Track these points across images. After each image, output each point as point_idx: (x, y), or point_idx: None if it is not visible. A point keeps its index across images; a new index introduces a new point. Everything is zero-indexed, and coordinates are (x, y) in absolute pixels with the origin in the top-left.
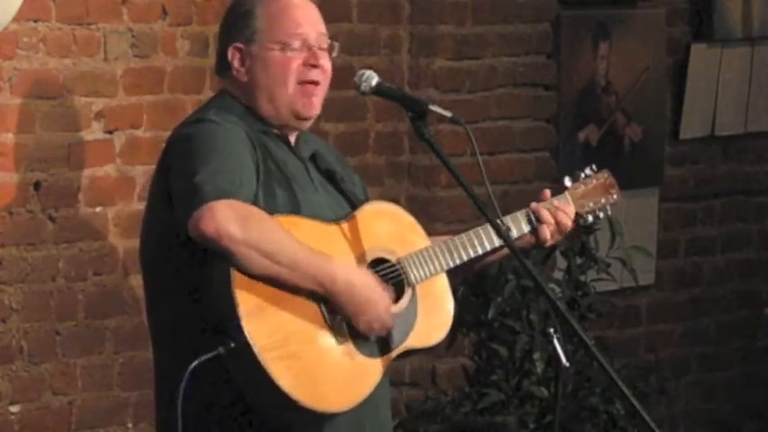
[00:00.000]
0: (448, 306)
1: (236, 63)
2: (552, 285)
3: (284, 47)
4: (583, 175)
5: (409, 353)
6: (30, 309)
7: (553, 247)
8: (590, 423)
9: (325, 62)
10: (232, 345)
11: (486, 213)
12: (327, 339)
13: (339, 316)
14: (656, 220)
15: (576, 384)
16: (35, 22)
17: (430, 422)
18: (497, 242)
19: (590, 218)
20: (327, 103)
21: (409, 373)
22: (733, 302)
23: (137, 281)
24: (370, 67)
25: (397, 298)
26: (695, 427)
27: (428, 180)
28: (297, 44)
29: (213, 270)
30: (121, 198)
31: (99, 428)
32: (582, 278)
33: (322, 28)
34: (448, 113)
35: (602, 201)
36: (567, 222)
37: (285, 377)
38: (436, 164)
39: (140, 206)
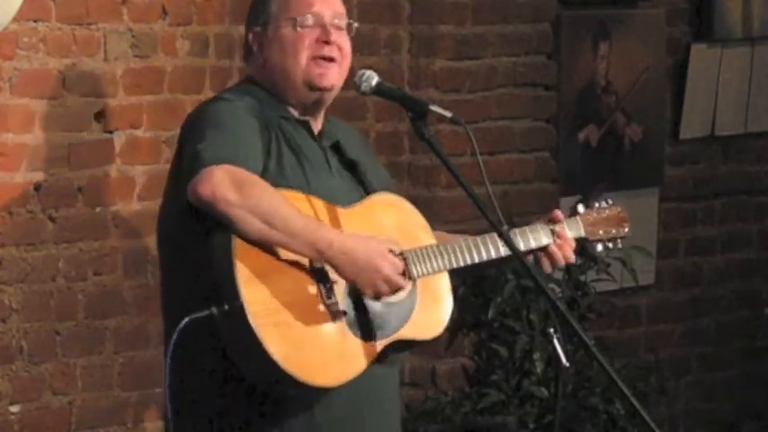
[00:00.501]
0: (446, 306)
1: (255, 47)
2: (552, 285)
3: (295, 24)
4: (597, 205)
5: (402, 346)
6: (30, 309)
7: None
8: (590, 423)
9: (341, 40)
10: (225, 307)
11: (486, 213)
12: (321, 316)
13: (335, 298)
14: (656, 220)
15: (575, 384)
16: (35, 22)
17: (430, 422)
18: (504, 252)
19: (600, 246)
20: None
21: (409, 373)
22: (733, 302)
23: (137, 281)
24: (370, 67)
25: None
26: (695, 427)
27: (428, 180)
28: (309, 21)
29: (215, 237)
30: (121, 198)
31: (99, 428)
32: (582, 278)
33: (339, 8)
34: (448, 113)
35: (614, 231)
36: (570, 257)
37: (274, 344)
38: (436, 164)
39: (140, 206)
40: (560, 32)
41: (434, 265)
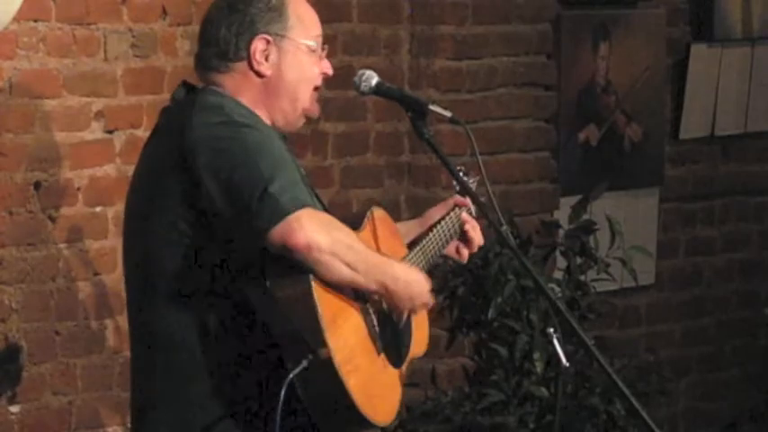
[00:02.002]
0: (425, 316)
1: (257, 55)
2: (552, 285)
3: (312, 50)
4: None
5: None
6: (30, 309)
7: (553, 247)
8: (590, 423)
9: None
10: (310, 356)
11: (486, 213)
12: (374, 351)
13: (379, 326)
14: (656, 220)
15: (576, 384)
16: (35, 22)
17: (430, 422)
18: (457, 226)
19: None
20: (327, 103)
21: (409, 373)
22: (733, 302)
23: None
24: (370, 67)
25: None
26: (695, 427)
27: (428, 180)
28: (319, 49)
29: (282, 282)
30: (121, 198)
31: (99, 428)
32: (582, 278)
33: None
34: (448, 113)
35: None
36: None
37: (357, 391)
38: (436, 164)
39: None
40: (560, 32)
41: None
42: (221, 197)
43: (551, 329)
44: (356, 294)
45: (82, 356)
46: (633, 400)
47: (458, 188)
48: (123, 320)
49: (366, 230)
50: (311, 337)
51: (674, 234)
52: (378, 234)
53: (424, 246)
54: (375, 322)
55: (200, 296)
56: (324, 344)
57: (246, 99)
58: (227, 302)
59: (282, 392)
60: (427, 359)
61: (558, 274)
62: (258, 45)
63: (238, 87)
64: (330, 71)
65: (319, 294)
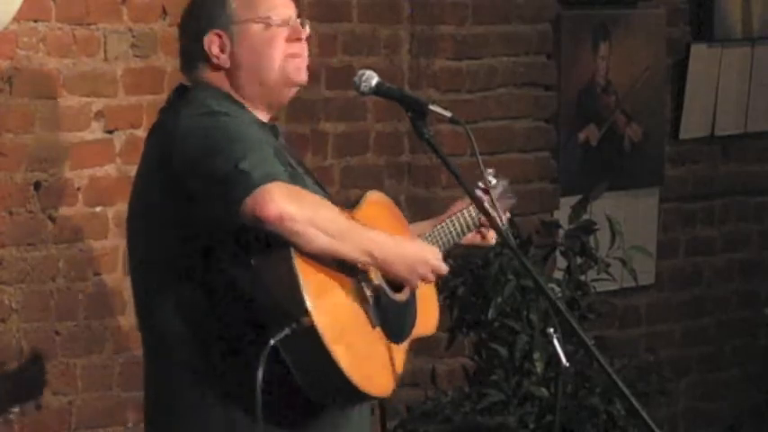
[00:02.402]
0: (435, 299)
1: (214, 50)
2: (552, 285)
3: (267, 23)
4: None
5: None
6: (30, 309)
7: (553, 247)
8: (590, 423)
9: (305, 38)
10: (294, 325)
11: (486, 213)
12: (369, 325)
13: (373, 300)
14: (656, 220)
15: (576, 384)
16: (35, 22)
17: (430, 422)
18: (475, 218)
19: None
20: (327, 103)
21: (409, 373)
22: (733, 302)
23: None
24: (370, 67)
25: (399, 289)
26: (695, 427)
27: (428, 180)
28: (278, 20)
29: (265, 256)
30: (121, 198)
31: (99, 428)
32: (582, 278)
33: (294, 7)
34: (448, 113)
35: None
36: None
37: (345, 360)
38: (436, 164)
39: None
40: (560, 32)
41: None
42: (200, 181)
43: (551, 329)
44: (347, 269)
45: (82, 356)
46: (633, 400)
47: (480, 189)
48: (123, 320)
49: (361, 211)
50: (295, 307)
51: (674, 234)
52: (374, 215)
53: (433, 232)
54: (369, 297)
55: (191, 284)
56: (306, 312)
57: (225, 90)
58: (217, 287)
59: (262, 358)
60: (427, 359)
61: (558, 274)
62: (211, 41)
63: (215, 83)
64: (300, 34)
65: (302, 267)
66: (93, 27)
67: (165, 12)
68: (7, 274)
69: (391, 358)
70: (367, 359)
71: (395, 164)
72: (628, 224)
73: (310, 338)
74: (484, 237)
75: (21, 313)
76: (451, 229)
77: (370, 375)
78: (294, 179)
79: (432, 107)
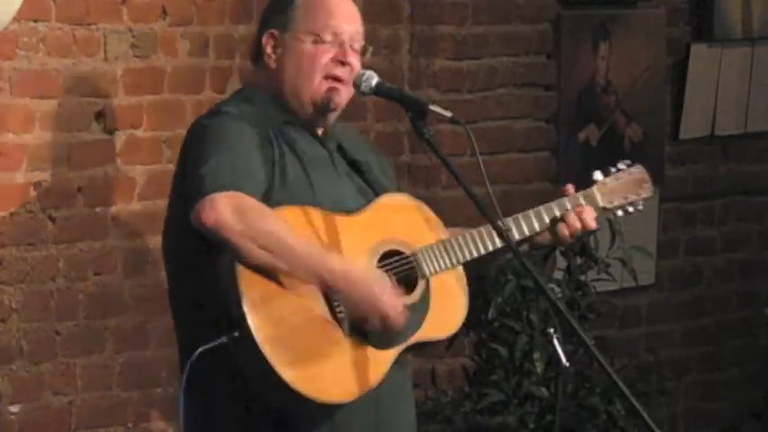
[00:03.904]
0: (461, 300)
1: (268, 49)
2: (552, 285)
3: (316, 39)
4: (614, 169)
5: (421, 345)
6: (30, 309)
7: (553, 247)
8: (590, 423)
9: (355, 61)
10: (236, 334)
11: (486, 213)
12: (332, 331)
13: (339, 308)
14: (656, 220)
15: (576, 384)
16: (35, 22)
17: (430, 422)
18: (515, 237)
19: (619, 212)
20: None
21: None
22: (733, 302)
23: (137, 281)
24: (370, 68)
25: (412, 290)
26: (695, 427)
27: (428, 180)
28: (329, 38)
29: (220, 260)
30: (121, 198)
31: (99, 428)
32: (582, 278)
33: (359, 27)
34: (448, 113)
35: (633, 196)
36: (591, 224)
37: (287, 367)
38: (436, 164)
39: (140, 206)
40: (560, 32)
41: (447, 260)
42: (180, 180)
43: (551, 329)
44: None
45: (82, 356)
46: (633, 400)
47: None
48: (123, 320)
49: (363, 215)
50: (236, 312)
51: (674, 234)
52: (379, 219)
53: (451, 240)
54: (336, 304)
55: (183, 278)
56: (243, 319)
57: (268, 91)
58: (198, 280)
59: (187, 367)
60: (427, 359)
61: (558, 274)
62: (266, 41)
63: (261, 82)
64: (343, 57)
65: (245, 274)
66: (93, 27)
67: (165, 12)
68: (7, 274)
69: (363, 364)
70: (319, 365)
71: (395, 164)
72: (628, 224)
73: (248, 346)
74: (556, 234)
75: (21, 313)
76: (476, 238)
77: (322, 381)
78: (293, 187)
79: (432, 107)
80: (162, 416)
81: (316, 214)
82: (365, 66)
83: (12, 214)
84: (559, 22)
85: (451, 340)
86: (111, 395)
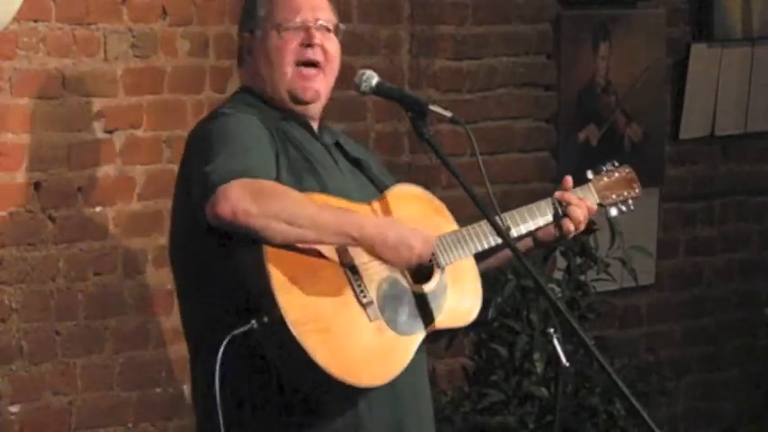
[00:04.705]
0: (476, 287)
1: (245, 52)
2: (552, 285)
3: (280, 30)
4: (605, 168)
5: (435, 335)
6: (30, 309)
7: (553, 248)
8: (590, 423)
9: (327, 43)
10: (265, 319)
11: (486, 213)
12: (358, 315)
13: (369, 295)
14: (656, 220)
15: (576, 384)
16: (35, 22)
17: None
18: (525, 229)
19: (613, 210)
20: (327, 103)
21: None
22: (733, 302)
23: (137, 281)
24: (370, 67)
25: (427, 280)
26: (695, 427)
27: (428, 180)
28: (292, 25)
29: (243, 252)
30: (121, 198)
31: (99, 428)
32: (582, 278)
33: (324, 14)
34: (448, 113)
35: (626, 193)
36: (592, 207)
37: (319, 350)
38: (436, 164)
39: (140, 206)
40: (560, 32)
41: (460, 250)
42: (185, 184)
43: (551, 329)
44: (337, 260)
45: (82, 356)
46: (633, 400)
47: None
48: (123, 320)
49: (376, 204)
50: (265, 299)
51: (674, 234)
52: (392, 208)
53: (461, 230)
54: (363, 288)
55: (199, 280)
56: (275, 304)
57: (257, 91)
58: (212, 277)
59: (220, 352)
60: (427, 359)
61: (558, 274)
62: (242, 43)
63: (249, 83)
64: (309, 40)
65: (273, 258)
66: (93, 27)
67: (165, 12)
68: (7, 274)
69: (387, 348)
70: (350, 348)
71: (395, 164)
72: (628, 224)
73: (280, 330)
74: (561, 229)
75: (21, 313)
76: (486, 228)
77: (353, 365)
78: (302, 178)
79: (432, 107)
80: (162, 416)
81: (333, 200)
82: (365, 66)
83: (12, 214)
84: (559, 22)
85: (451, 340)
86: (111, 395)
